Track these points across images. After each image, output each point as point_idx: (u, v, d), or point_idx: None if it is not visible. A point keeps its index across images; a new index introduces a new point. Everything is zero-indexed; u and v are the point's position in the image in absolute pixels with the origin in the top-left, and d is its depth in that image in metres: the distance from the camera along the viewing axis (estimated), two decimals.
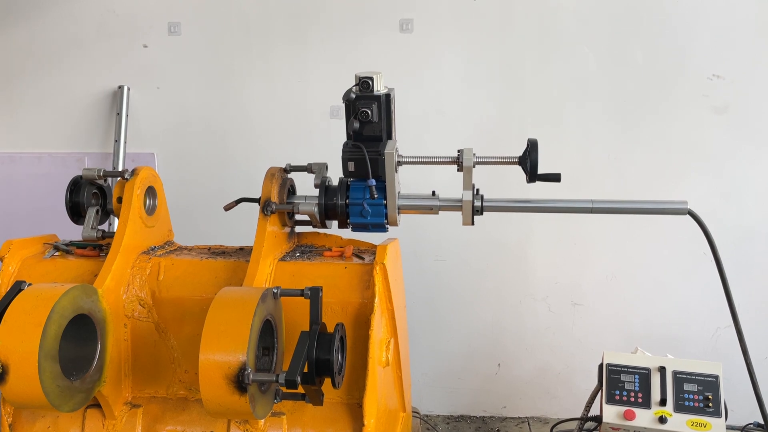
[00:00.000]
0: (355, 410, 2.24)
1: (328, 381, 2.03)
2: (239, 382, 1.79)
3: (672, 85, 3.53)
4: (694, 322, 3.65)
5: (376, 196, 2.36)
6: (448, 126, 3.66)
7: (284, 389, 2.01)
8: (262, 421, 2.22)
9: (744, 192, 3.58)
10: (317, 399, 2.03)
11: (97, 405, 2.27)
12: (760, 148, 3.53)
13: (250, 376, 1.79)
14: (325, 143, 3.40)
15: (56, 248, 2.49)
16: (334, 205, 2.41)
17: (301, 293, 2.04)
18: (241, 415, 1.95)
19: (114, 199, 2.48)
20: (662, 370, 2.96)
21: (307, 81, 3.67)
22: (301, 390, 2.04)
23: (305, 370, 1.92)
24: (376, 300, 2.22)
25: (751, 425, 3.24)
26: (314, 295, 2.03)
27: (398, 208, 2.45)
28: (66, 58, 3.78)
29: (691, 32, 3.48)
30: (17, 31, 3.79)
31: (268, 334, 2.04)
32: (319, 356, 1.93)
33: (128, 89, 3.76)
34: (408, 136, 3.47)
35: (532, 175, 2.29)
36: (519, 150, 2.37)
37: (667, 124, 3.56)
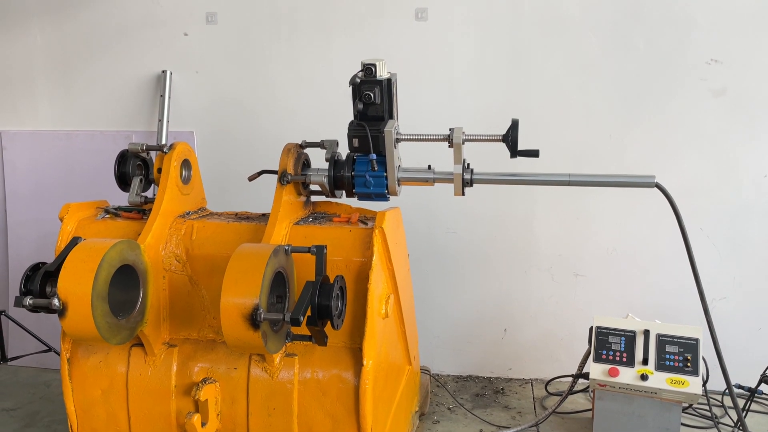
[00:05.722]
0: (357, 353, 2.57)
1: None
2: (253, 320, 2.15)
3: (672, 70, 3.67)
4: (688, 294, 3.77)
5: (376, 168, 2.67)
6: (459, 107, 3.89)
7: (293, 330, 2.37)
8: (278, 359, 2.59)
9: (740, 171, 3.70)
10: (321, 339, 2.38)
11: (140, 344, 2.67)
12: (755, 129, 3.65)
13: (262, 315, 2.15)
14: (345, 122, 3.70)
15: (106, 211, 2.90)
16: (342, 176, 2.74)
17: (308, 250, 2.40)
18: (256, 349, 2.30)
19: (155, 170, 2.87)
20: (646, 333, 3.20)
21: (330, 65, 3.95)
22: (308, 333, 2.40)
23: (309, 314, 2.28)
24: (375, 258, 2.55)
25: (733, 386, 3.44)
26: (319, 251, 2.38)
27: (398, 180, 2.75)
28: (115, 45, 4.15)
29: (691, 18, 3.61)
30: (72, 22, 4.18)
31: (281, 285, 2.40)
32: (320, 302, 2.28)
33: (170, 73, 4.11)
34: (421, 117, 3.73)
35: (513, 151, 2.54)
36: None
37: (666, 106, 3.70)
